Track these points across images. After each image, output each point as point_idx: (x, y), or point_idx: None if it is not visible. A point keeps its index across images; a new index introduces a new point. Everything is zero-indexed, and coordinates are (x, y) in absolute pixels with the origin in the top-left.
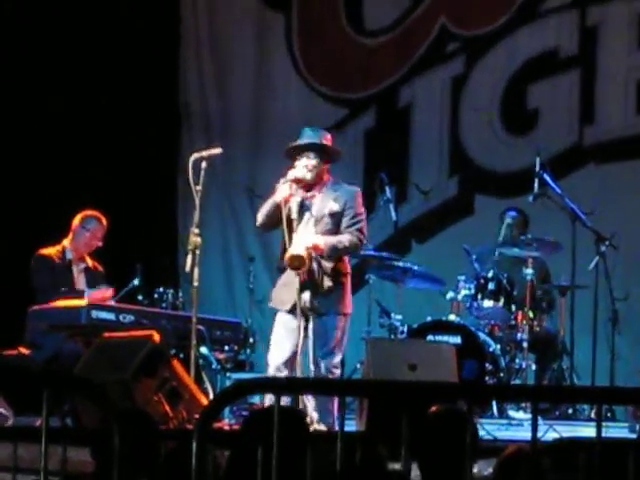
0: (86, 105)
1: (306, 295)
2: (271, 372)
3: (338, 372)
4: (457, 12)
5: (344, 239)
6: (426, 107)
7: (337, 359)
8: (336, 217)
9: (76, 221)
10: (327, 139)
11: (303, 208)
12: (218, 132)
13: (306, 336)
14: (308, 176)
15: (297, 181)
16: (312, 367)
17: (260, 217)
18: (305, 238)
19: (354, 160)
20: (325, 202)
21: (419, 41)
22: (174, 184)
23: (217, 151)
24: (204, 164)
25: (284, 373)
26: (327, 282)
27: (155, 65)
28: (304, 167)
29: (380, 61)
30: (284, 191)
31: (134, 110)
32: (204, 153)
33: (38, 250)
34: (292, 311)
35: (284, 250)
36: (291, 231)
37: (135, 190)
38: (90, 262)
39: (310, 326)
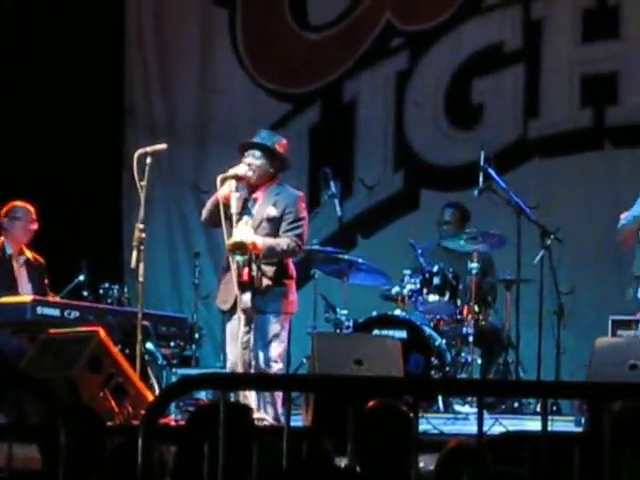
0: (31, 101)
1: (246, 296)
2: (228, 369)
3: (278, 366)
4: (402, 7)
5: (282, 242)
6: (371, 102)
7: (275, 352)
8: (274, 222)
9: (3, 214)
10: (280, 145)
11: (244, 208)
12: (163, 128)
13: (248, 333)
14: (249, 174)
15: (238, 178)
16: (252, 361)
17: (204, 213)
18: (245, 233)
19: (299, 155)
20: (265, 206)
21: (363, 36)
22: (119, 180)
23: (162, 147)
24: (149, 160)
25: (240, 370)
26: (266, 282)
27: (99, 62)
28: (247, 165)
29: (324, 56)
30: (225, 188)
31: (79, 107)
32: (149, 149)
33: None
34: (232, 310)
35: (225, 249)
36: (231, 228)
37: (80, 186)
38: (30, 255)
39: (253, 325)
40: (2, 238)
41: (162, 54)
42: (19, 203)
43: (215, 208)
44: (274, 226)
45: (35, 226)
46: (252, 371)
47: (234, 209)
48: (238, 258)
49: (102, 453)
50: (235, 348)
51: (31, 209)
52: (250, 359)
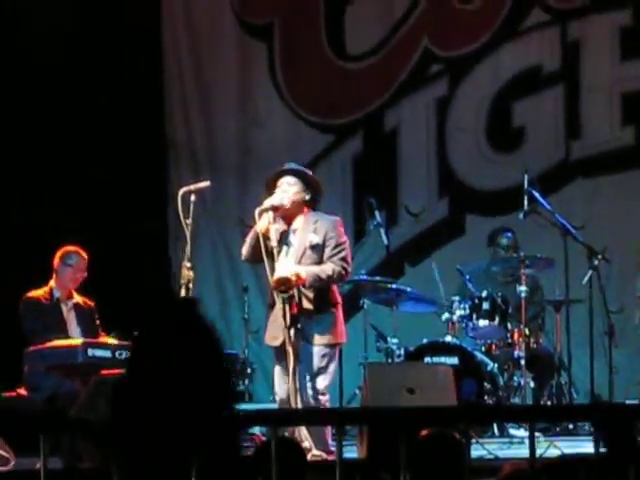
0: (76, 143)
1: (293, 331)
2: (278, 406)
3: (325, 398)
4: (439, 33)
5: (327, 269)
6: (412, 129)
7: (322, 385)
8: (317, 249)
9: (56, 259)
10: (310, 172)
11: (284, 239)
12: (205, 163)
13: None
14: (285, 201)
15: (275, 209)
16: (298, 395)
17: (244, 250)
18: (287, 266)
19: (343, 186)
20: (305, 234)
21: (402, 64)
22: (164, 218)
23: (205, 184)
24: (193, 197)
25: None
26: (307, 306)
27: (140, 99)
28: (282, 193)
29: (364, 85)
30: (263, 221)
31: (122, 147)
32: (192, 187)
33: (25, 294)
34: (283, 345)
35: (269, 284)
36: (273, 261)
37: (126, 225)
38: (79, 298)
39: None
40: (52, 282)
41: (201, 89)
42: (73, 248)
43: (255, 242)
44: (318, 253)
45: (84, 274)
46: (299, 404)
47: (274, 242)
48: (283, 295)
49: None
50: (284, 384)
51: (84, 256)
52: (296, 390)
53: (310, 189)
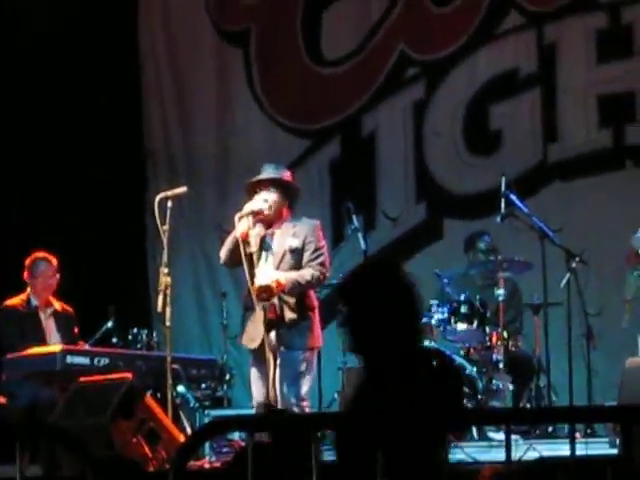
0: (54, 150)
1: (273, 333)
2: (255, 408)
3: (306, 404)
4: (415, 37)
5: (306, 274)
6: (390, 133)
7: (304, 389)
8: (296, 253)
9: (25, 271)
10: (287, 176)
11: (263, 244)
12: (183, 170)
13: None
14: (266, 209)
15: (255, 214)
16: (279, 400)
17: (222, 254)
18: (267, 273)
19: (321, 190)
20: (284, 238)
21: (379, 68)
22: (143, 225)
23: (182, 190)
24: (170, 203)
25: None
26: (290, 315)
27: (119, 107)
28: (264, 201)
29: (341, 90)
30: (242, 226)
31: (100, 153)
32: (169, 192)
33: (3, 302)
34: (261, 348)
35: (247, 287)
36: (252, 266)
37: (104, 232)
38: (58, 305)
39: (279, 361)
40: (28, 290)
41: (180, 95)
42: (40, 255)
43: (234, 247)
44: (297, 257)
45: (55, 280)
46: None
47: (253, 247)
48: (264, 303)
49: None
50: (262, 388)
51: (53, 262)
52: (276, 396)
53: (289, 194)
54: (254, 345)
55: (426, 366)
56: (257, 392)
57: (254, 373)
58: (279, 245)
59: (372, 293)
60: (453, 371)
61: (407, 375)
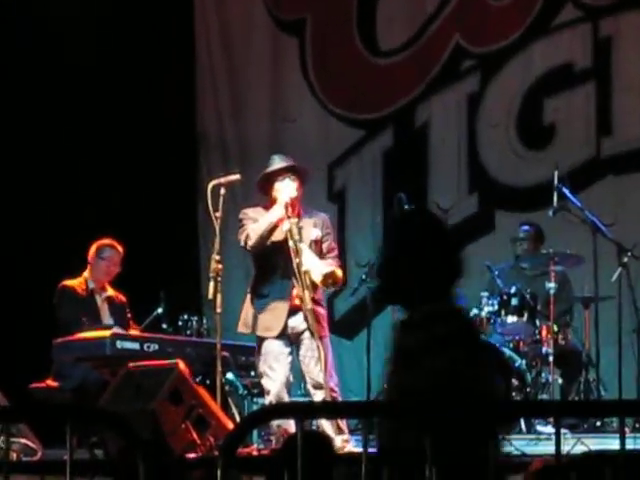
0: (106, 135)
1: (295, 320)
2: (273, 400)
3: (339, 392)
4: (470, 29)
5: (336, 265)
6: (443, 125)
7: (337, 379)
8: (318, 244)
9: (92, 252)
10: (306, 168)
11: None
12: (236, 158)
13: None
14: (295, 195)
15: (288, 203)
16: (312, 390)
17: (254, 238)
18: (316, 261)
19: (373, 181)
20: (308, 230)
21: (434, 60)
22: (194, 211)
23: (236, 177)
24: (222, 190)
25: (286, 399)
26: (315, 307)
27: (172, 94)
28: (289, 188)
29: (395, 81)
30: (278, 212)
31: (153, 139)
32: (222, 180)
33: (61, 282)
34: (280, 337)
35: (263, 275)
36: (297, 254)
37: (156, 218)
38: (112, 291)
39: (302, 351)
40: (86, 274)
41: (233, 83)
42: (108, 242)
43: (268, 234)
44: (318, 247)
45: (118, 269)
46: (324, 395)
47: (296, 235)
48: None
49: None
50: (283, 369)
51: (119, 250)
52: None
53: (304, 183)
54: (271, 334)
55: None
56: (276, 382)
57: (272, 363)
58: (305, 236)
59: (404, 236)
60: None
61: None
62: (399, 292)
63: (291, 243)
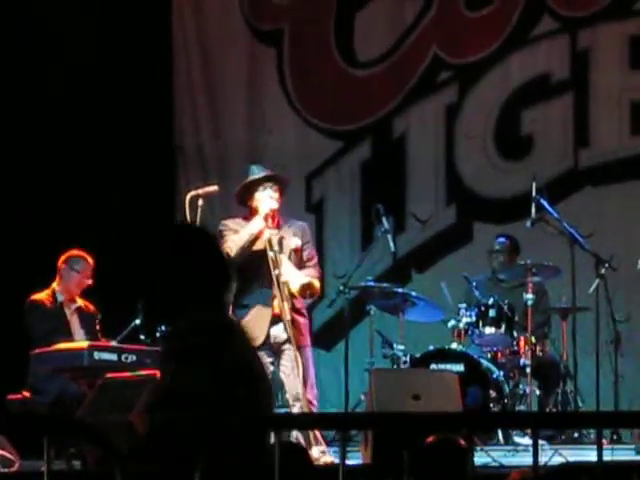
0: (83, 148)
1: (276, 329)
2: None
3: (317, 405)
4: (448, 41)
5: (315, 275)
6: (421, 136)
7: (316, 391)
8: (298, 253)
9: (62, 263)
10: (286, 178)
11: (274, 244)
12: (214, 170)
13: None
14: (276, 206)
15: (269, 214)
16: (291, 402)
17: (235, 249)
18: (295, 271)
19: (351, 192)
20: (288, 239)
21: (411, 71)
22: (172, 222)
23: (213, 188)
24: (200, 202)
25: None
26: (295, 316)
27: (149, 105)
28: (270, 198)
29: (373, 92)
30: (258, 224)
31: (130, 151)
32: (200, 191)
33: (29, 296)
34: (262, 347)
35: (243, 285)
36: (275, 265)
37: (134, 229)
38: (81, 302)
39: (283, 361)
40: (54, 284)
41: (211, 94)
42: (80, 253)
43: (249, 245)
44: (299, 257)
45: (90, 282)
46: (299, 406)
47: (275, 246)
48: (307, 300)
49: None
50: None
51: (90, 262)
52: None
53: (283, 195)
54: (255, 343)
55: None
56: None
57: None
58: (285, 246)
59: (156, 253)
60: None
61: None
62: (163, 309)
63: (271, 254)
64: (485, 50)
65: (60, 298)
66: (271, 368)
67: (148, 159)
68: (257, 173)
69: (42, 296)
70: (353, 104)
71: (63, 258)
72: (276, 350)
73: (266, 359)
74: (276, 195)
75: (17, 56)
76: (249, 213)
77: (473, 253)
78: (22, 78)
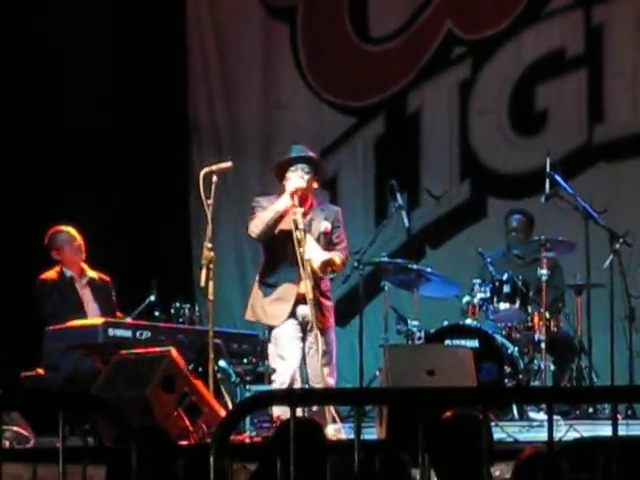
0: (97, 124)
1: (304, 309)
2: (286, 381)
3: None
4: (462, 16)
5: (340, 256)
6: (435, 112)
7: (335, 375)
8: (328, 236)
9: (50, 246)
10: (317, 156)
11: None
12: (228, 146)
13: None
14: (306, 185)
15: (297, 192)
16: (313, 379)
17: (259, 226)
18: (318, 250)
19: (365, 168)
20: (318, 221)
21: (425, 46)
22: (187, 199)
23: (227, 165)
24: (214, 178)
25: (298, 382)
26: (321, 299)
27: (163, 83)
28: (300, 178)
29: (387, 68)
30: (286, 202)
31: (144, 128)
32: (214, 167)
33: (39, 276)
34: (290, 322)
35: (271, 263)
36: (300, 244)
37: (148, 206)
38: (94, 274)
39: (310, 339)
40: (59, 266)
41: (225, 70)
42: (57, 228)
43: (274, 223)
44: (328, 239)
45: (80, 245)
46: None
47: (301, 224)
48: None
49: (174, 473)
50: (296, 351)
51: (70, 231)
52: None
53: (320, 177)
54: (281, 319)
55: None
56: (289, 367)
57: (286, 348)
58: (314, 227)
59: None
60: None
61: None
62: None
63: (297, 233)
64: (499, 25)
65: (68, 273)
66: (301, 344)
67: (163, 136)
68: (292, 153)
69: (50, 274)
70: (367, 80)
71: (47, 242)
72: (305, 328)
73: (297, 333)
74: (307, 176)
75: (38, 45)
76: (281, 191)
77: (487, 229)
78: (39, 62)
